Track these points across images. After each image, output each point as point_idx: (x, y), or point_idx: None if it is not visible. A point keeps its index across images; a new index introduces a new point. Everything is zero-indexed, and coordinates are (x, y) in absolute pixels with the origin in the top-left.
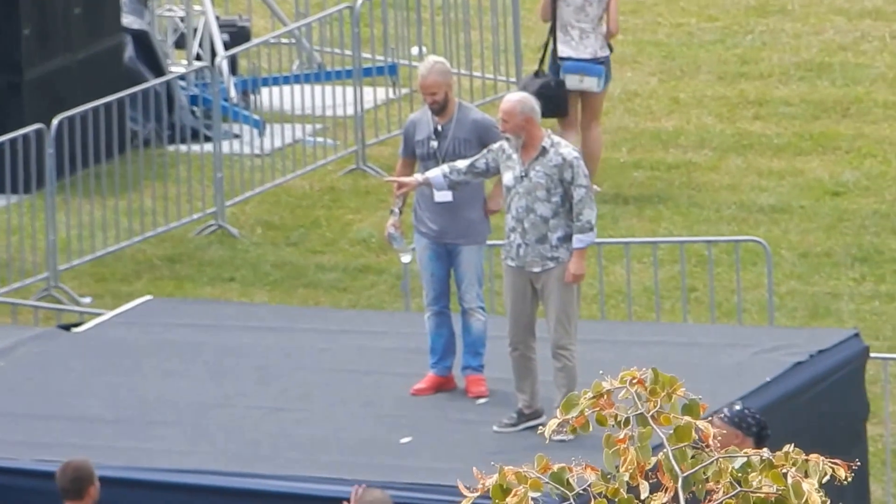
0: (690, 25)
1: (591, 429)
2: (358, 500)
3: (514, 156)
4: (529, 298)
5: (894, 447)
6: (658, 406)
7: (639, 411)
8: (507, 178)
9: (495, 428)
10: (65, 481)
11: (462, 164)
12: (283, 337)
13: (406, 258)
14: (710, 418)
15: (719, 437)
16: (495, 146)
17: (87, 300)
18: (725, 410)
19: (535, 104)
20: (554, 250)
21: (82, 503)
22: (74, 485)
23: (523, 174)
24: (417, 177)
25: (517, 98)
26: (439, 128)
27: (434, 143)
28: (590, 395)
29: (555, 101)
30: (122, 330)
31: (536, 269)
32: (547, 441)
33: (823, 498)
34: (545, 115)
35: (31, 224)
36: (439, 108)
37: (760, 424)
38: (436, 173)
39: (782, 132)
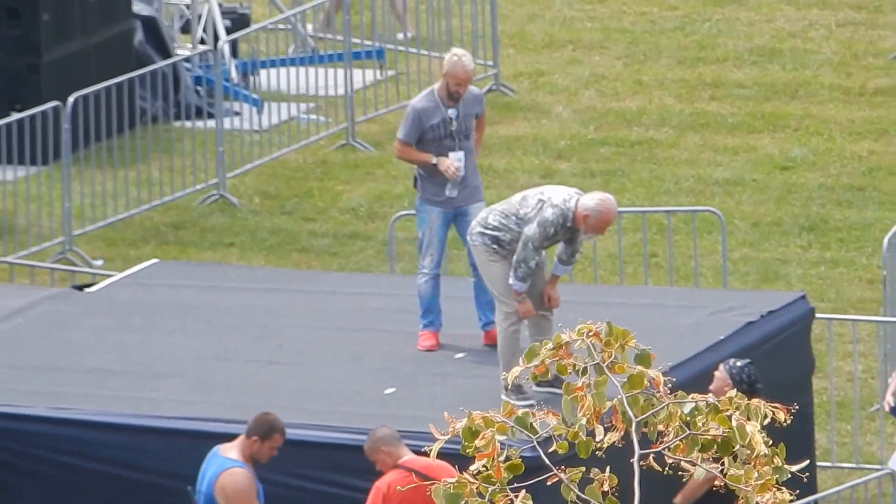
0: (653, 14)
1: (549, 376)
2: (370, 437)
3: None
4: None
5: (837, 399)
6: (612, 356)
7: (594, 361)
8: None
9: (511, 399)
10: (256, 423)
11: (563, 251)
12: (278, 297)
13: None
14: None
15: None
16: (559, 224)
17: (99, 263)
18: (743, 376)
19: None
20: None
21: (266, 444)
22: (261, 427)
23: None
24: (550, 287)
25: (612, 202)
26: (453, 110)
27: (453, 125)
28: (550, 346)
29: None
30: (131, 290)
31: None
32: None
33: (766, 439)
34: None
35: (48, 193)
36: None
37: (755, 377)
38: (559, 266)
39: (736, 112)
